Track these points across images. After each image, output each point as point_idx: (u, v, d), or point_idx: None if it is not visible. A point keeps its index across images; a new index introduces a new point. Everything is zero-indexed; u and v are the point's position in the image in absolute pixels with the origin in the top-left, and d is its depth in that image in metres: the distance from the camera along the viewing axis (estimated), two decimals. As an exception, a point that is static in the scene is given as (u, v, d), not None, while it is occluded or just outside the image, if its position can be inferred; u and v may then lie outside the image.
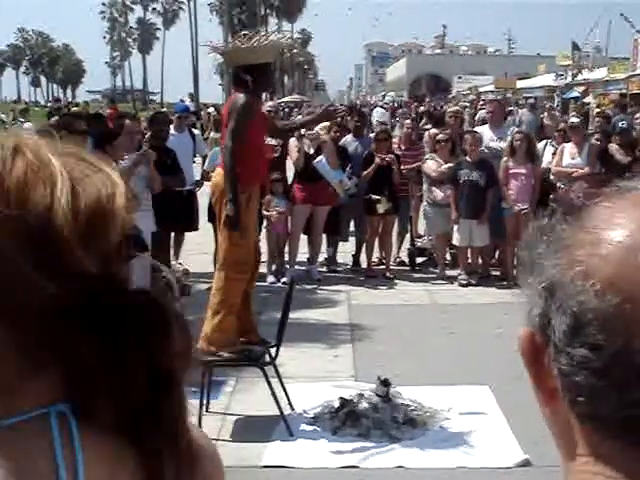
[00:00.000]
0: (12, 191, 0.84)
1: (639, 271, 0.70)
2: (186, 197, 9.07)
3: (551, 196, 9.47)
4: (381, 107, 28.80)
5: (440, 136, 10.12)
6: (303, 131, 9.20)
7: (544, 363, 0.76)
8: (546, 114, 16.74)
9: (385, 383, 5.63)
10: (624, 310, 0.70)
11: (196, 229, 9.51)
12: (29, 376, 0.87)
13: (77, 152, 0.92)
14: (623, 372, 0.71)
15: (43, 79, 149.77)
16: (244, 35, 6.09)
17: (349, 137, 10.59)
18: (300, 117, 9.87)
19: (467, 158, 9.57)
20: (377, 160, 9.69)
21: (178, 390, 0.95)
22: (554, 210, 0.79)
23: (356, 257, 10.51)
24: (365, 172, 9.71)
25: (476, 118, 17.53)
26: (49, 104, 54.01)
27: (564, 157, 9.89)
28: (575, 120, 11.81)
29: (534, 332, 0.77)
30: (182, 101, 43.13)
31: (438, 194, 9.75)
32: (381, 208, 9.72)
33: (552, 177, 9.98)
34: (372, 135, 10.94)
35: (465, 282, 9.58)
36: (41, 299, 0.84)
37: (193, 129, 11.46)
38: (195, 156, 11.11)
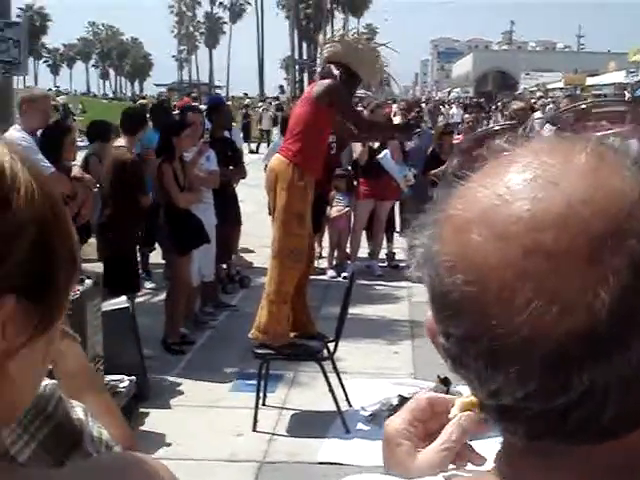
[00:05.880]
0: None
1: (474, 251, 0.63)
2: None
3: None
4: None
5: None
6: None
7: None
8: None
9: (445, 382, 5.53)
10: (466, 293, 0.63)
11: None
12: None
13: None
14: (473, 362, 0.65)
15: (112, 72, 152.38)
16: (356, 33, 6.08)
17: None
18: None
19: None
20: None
21: None
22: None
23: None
24: (435, 171, 9.59)
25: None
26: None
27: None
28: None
29: None
30: (245, 94, 43.46)
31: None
32: None
33: None
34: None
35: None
36: None
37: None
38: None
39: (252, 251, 10.30)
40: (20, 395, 0.82)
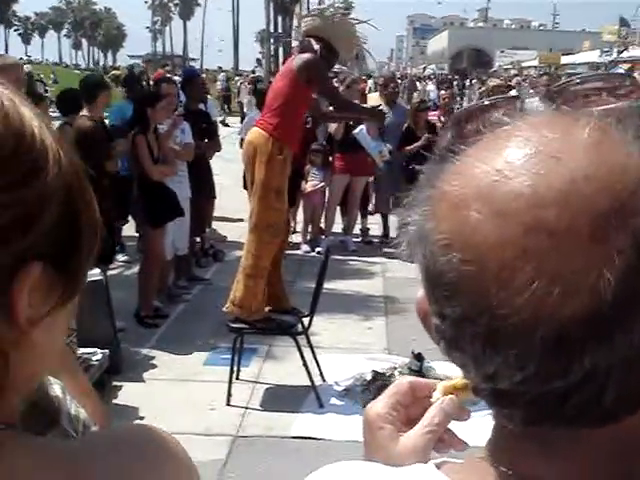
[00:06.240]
0: None
1: (472, 228, 0.61)
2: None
3: None
4: None
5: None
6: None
7: None
8: None
9: (419, 357, 5.55)
10: (463, 272, 0.61)
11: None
12: None
13: None
14: (469, 344, 0.63)
15: (84, 42, 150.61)
16: (332, 8, 6.01)
17: (382, 106, 10.38)
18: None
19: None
20: (425, 137, 9.56)
21: None
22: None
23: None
24: (410, 147, 9.57)
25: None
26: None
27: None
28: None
29: None
30: (220, 67, 43.14)
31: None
32: None
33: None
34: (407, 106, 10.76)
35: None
36: None
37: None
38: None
39: (240, 220, 9.98)
40: (42, 364, 0.80)
